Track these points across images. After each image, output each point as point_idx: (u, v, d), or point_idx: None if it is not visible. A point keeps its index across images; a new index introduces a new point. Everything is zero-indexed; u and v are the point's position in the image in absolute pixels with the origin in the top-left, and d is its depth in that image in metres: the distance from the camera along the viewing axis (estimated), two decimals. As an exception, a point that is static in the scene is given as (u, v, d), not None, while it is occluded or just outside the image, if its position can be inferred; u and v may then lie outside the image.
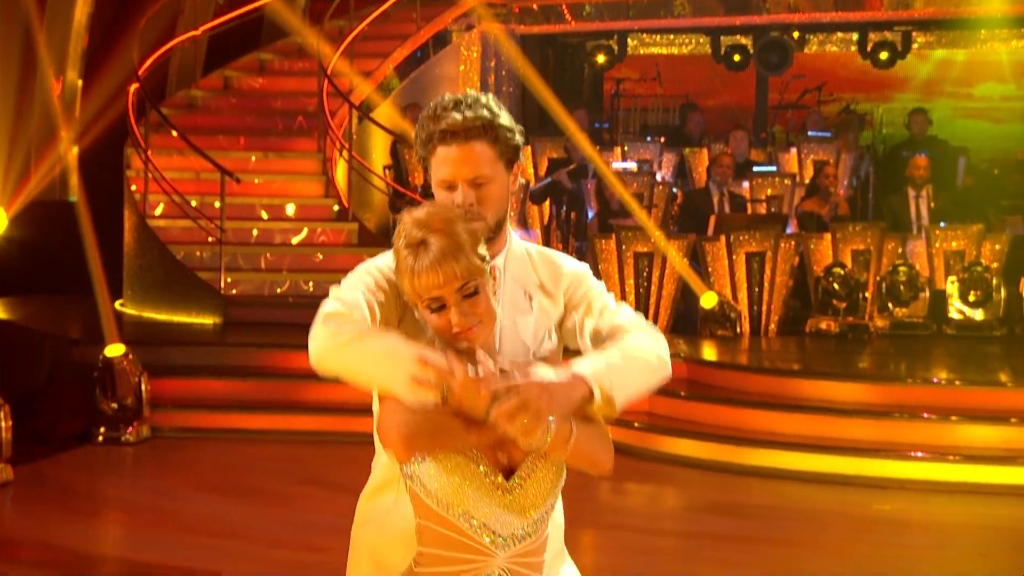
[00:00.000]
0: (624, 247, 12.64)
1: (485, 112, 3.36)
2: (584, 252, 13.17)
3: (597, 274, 12.60)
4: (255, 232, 13.54)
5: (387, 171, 14.22)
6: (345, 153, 13.73)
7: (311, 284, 13.17)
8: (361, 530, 3.61)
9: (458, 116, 3.33)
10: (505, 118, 3.41)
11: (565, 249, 13.61)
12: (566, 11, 15.76)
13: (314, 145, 13.87)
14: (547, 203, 14.11)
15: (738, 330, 12.42)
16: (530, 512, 3.19)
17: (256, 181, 13.64)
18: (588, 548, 8.91)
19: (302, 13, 15.17)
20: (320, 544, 7.85)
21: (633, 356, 3.30)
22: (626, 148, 14.97)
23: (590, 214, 13.88)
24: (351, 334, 3.18)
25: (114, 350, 10.68)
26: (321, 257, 13.45)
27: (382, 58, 14.60)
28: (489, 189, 3.37)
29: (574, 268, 3.56)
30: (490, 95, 3.46)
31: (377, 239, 13.62)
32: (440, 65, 15.50)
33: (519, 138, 3.45)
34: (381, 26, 14.60)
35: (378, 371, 3.15)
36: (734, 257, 12.54)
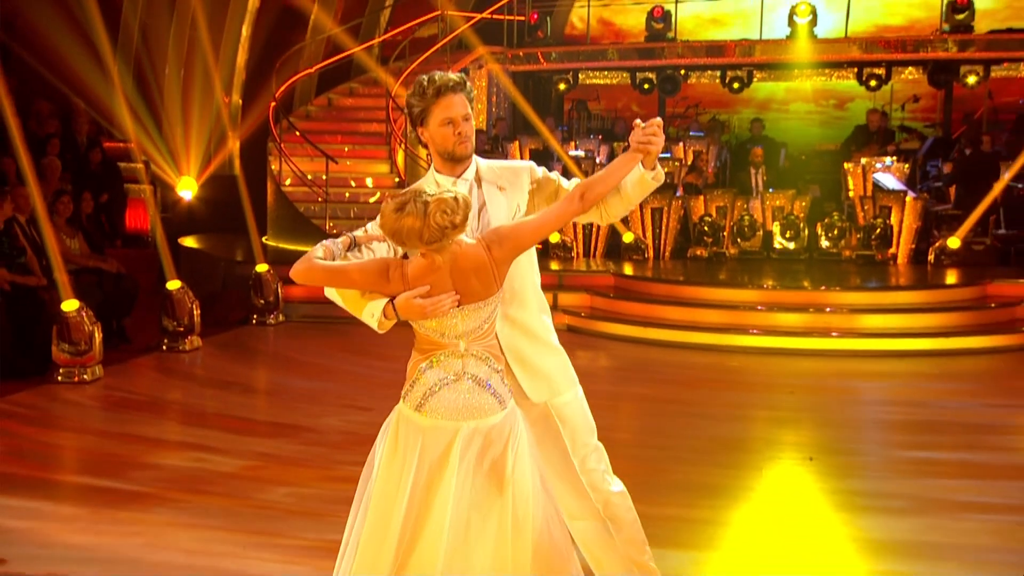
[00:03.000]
0: (576, 204, 12.75)
1: (456, 77, 3.37)
2: (551, 207, 13.28)
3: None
4: (347, 194, 13.48)
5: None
6: (402, 146, 13.81)
7: (382, 226, 13.23)
8: None
9: (447, 79, 3.33)
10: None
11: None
12: (541, 57, 15.74)
13: (383, 140, 13.81)
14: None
15: (646, 255, 12.55)
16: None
17: (348, 163, 13.62)
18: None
19: (376, 57, 15.17)
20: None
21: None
22: (577, 142, 15.01)
23: (555, 184, 13.97)
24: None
25: (261, 268, 10.82)
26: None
27: (426, 86, 14.59)
28: (471, 123, 3.39)
29: (523, 164, 3.58)
30: (449, 72, 3.43)
31: (423, 199, 13.75)
32: (462, 91, 15.50)
33: (474, 92, 3.47)
34: (425, 66, 14.54)
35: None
36: (644, 211, 12.65)
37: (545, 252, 12.45)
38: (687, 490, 5.77)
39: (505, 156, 13.95)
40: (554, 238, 12.44)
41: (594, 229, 12.59)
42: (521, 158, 14.19)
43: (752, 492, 5.84)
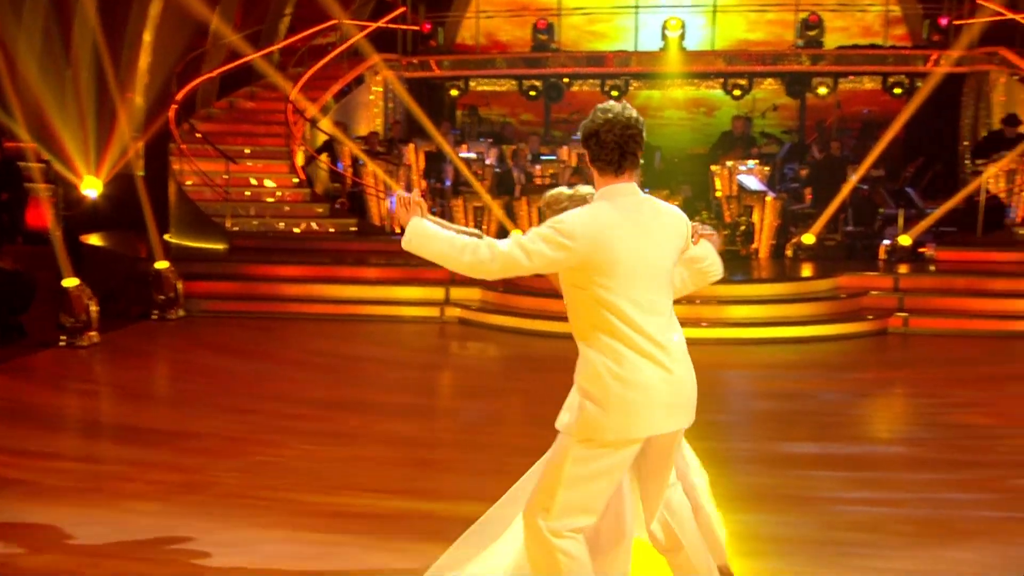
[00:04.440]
0: (467, 204, 12.70)
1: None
2: (444, 207, 13.23)
3: (451, 218, 12.68)
4: (247, 193, 13.19)
5: (327, 158, 14.07)
6: (301, 148, 13.58)
7: (282, 224, 12.89)
8: None
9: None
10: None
11: (432, 206, 13.66)
12: (434, 65, 15.64)
13: (283, 142, 13.53)
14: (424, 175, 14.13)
15: (532, 251, 12.58)
16: None
17: (249, 164, 13.33)
18: (446, 375, 9.12)
19: (276, 63, 14.85)
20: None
21: None
22: (469, 145, 14.94)
23: (447, 183, 13.93)
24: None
25: (161, 264, 10.51)
26: (287, 208, 13.16)
27: (323, 91, 14.32)
28: None
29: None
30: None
31: (321, 199, 13.56)
32: (359, 95, 15.27)
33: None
34: (324, 71, 14.33)
35: None
36: (530, 209, 12.68)
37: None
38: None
39: (400, 158, 13.83)
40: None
41: (485, 226, 12.56)
42: (416, 160, 14.13)
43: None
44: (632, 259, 3.20)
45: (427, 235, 3.31)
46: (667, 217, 3.34)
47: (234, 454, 5.95)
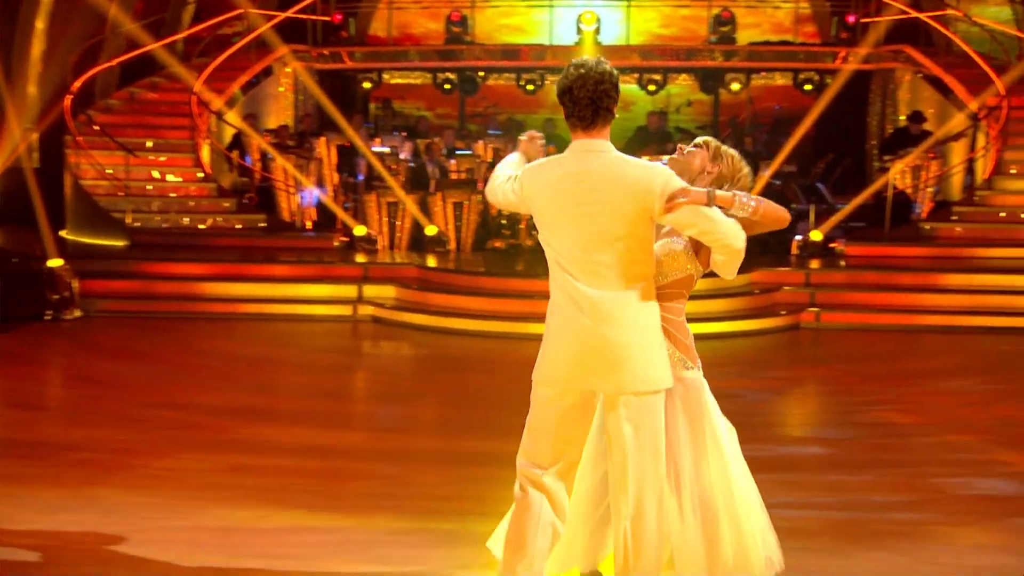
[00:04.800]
0: (380, 199, 12.27)
1: None
2: (357, 202, 12.79)
3: (364, 214, 12.23)
4: (149, 187, 12.50)
5: (234, 152, 13.45)
6: (207, 141, 12.95)
7: (186, 220, 12.28)
8: None
9: None
10: None
11: (345, 201, 13.18)
12: (345, 57, 15.11)
13: (188, 135, 12.87)
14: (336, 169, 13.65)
15: (448, 248, 12.25)
16: None
17: (151, 157, 12.64)
18: (358, 378, 8.70)
19: (180, 53, 14.16)
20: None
21: None
22: (382, 139, 14.52)
23: (360, 178, 13.47)
24: None
25: (55, 262, 9.86)
26: (192, 204, 12.51)
27: (230, 82, 13.68)
28: None
29: None
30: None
31: (228, 193, 12.96)
32: (268, 87, 14.66)
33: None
34: (230, 62, 13.70)
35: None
36: (445, 205, 12.34)
37: (351, 245, 11.95)
38: (483, 480, 5.47)
39: (311, 151, 13.30)
40: (360, 231, 11.95)
41: (399, 222, 12.17)
42: (328, 155, 13.63)
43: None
44: (556, 214, 3.24)
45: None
46: (619, 179, 3.20)
47: (120, 468, 5.45)
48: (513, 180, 3.41)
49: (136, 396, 7.19)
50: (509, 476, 5.34)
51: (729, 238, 3.23)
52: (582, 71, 3.18)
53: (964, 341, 9.31)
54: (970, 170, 12.74)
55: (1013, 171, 11.97)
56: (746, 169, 3.56)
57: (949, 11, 13.39)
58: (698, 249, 3.43)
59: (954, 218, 11.81)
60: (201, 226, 12.24)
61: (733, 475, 3.43)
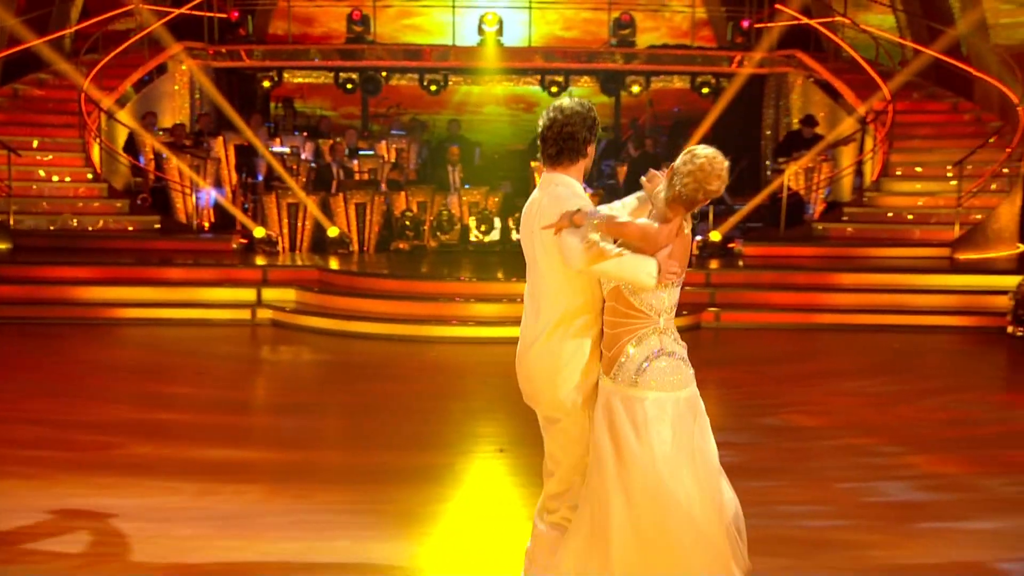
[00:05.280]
0: (280, 200, 11.76)
1: None
2: (257, 203, 12.24)
3: (263, 215, 11.68)
4: (34, 187, 11.71)
5: (127, 152, 12.72)
6: (97, 140, 12.19)
7: (75, 221, 11.56)
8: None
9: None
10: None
11: (244, 202, 12.62)
12: (244, 55, 14.47)
13: (77, 133, 12.12)
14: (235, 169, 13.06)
15: (350, 249, 11.83)
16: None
17: (37, 156, 11.87)
18: (257, 387, 8.24)
19: (69, 50, 13.34)
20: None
21: None
22: (283, 139, 13.97)
23: (260, 178, 12.92)
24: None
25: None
26: (81, 205, 11.77)
27: (122, 79, 12.94)
28: None
29: None
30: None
31: (120, 194, 12.25)
32: (164, 85, 13.94)
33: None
34: (122, 58, 12.96)
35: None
36: (348, 206, 11.91)
37: (250, 247, 11.42)
38: (385, 484, 5.18)
39: (208, 151, 12.69)
40: (259, 233, 11.43)
41: (300, 224, 11.68)
42: (225, 154, 13.04)
43: (445, 487, 5.30)
44: (525, 241, 3.52)
45: None
46: (546, 206, 3.38)
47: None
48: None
49: (2, 410, 6.59)
50: (404, 469, 5.02)
51: (627, 276, 3.27)
52: (551, 115, 3.41)
53: (857, 339, 9.35)
54: (859, 172, 12.92)
55: (899, 172, 12.17)
56: (682, 180, 3.29)
57: (837, 18, 13.55)
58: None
59: (845, 218, 11.94)
60: (91, 228, 11.52)
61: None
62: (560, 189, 3.37)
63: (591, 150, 3.40)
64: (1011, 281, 9.77)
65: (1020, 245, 11.41)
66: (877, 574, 4.16)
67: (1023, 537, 4.58)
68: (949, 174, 11.57)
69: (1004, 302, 9.65)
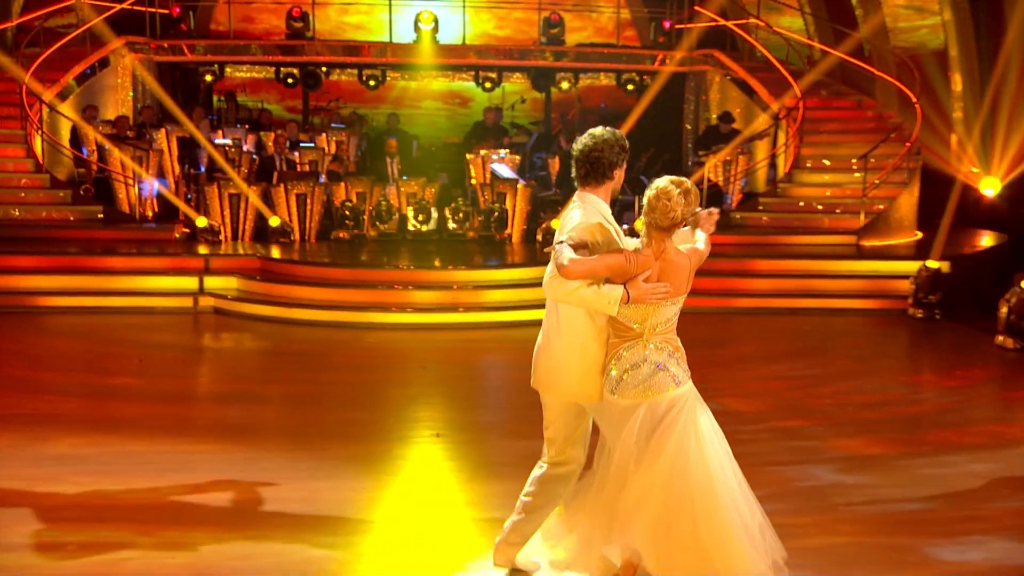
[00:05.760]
0: (222, 191, 11.19)
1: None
2: (199, 195, 11.63)
3: (206, 205, 11.13)
4: (-25, 179, 11.01)
5: (72, 145, 11.97)
6: (39, 132, 11.44)
7: (17, 211, 10.85)
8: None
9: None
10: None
11: (187, 193, 11.99)
12: (186, 49, 13.76)
13: (19, 124, 11.35)
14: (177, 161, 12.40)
15: (292, 239, 11.32)
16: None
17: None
18: (200, 376, 7.75)
19: (10, 43, 12.51)
20: None
21: None
22: (225, 131, 13.33)
23: (202, 169, 12.30)
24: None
25: None
26: (23, 195, 11.00)
27: (64, 72, 12.16)
28: None
29: None
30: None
31: (63, 184, 11.51)
32: (105, 79, 13.14)
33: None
34: (65, 52, 12.19)
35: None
36: (289, 196, 11.38)
37: (193, 236, 10.84)
38: (332, 471, 4.82)
39: (151, 143, 12.02)
40: (202, 222, 10.86)
41: (241, 213, 11.14)
42: (168, 146, 12.38)
43: (384, 472, 5.00)
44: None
45: None
46: (565, 221, 3.56)
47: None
48: None
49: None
50: (344, 456, 4.64)
51: (589, 307, 3.45)
52: (584, 140, 3.56)
53: (773, 322, 9.24)
54: (773, 165, 12.85)
55: (809, 165, 12.10)
56: (667, 203, 3.49)
57: (752, 20, 13.43)
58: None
59: (760, 208, 11.84)
60: (30, 217, 10.81)
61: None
62: (581, 208, 3.50)
63: (618, 173, 3.52)
64: (911, 266, 9.77)
65: (919, 232, 11.45)
66: (811, 556, 3.96)
67: (950, 518, 4.44)
68: (854, 167, 11.53)
69: (905, 286, 9.66)
